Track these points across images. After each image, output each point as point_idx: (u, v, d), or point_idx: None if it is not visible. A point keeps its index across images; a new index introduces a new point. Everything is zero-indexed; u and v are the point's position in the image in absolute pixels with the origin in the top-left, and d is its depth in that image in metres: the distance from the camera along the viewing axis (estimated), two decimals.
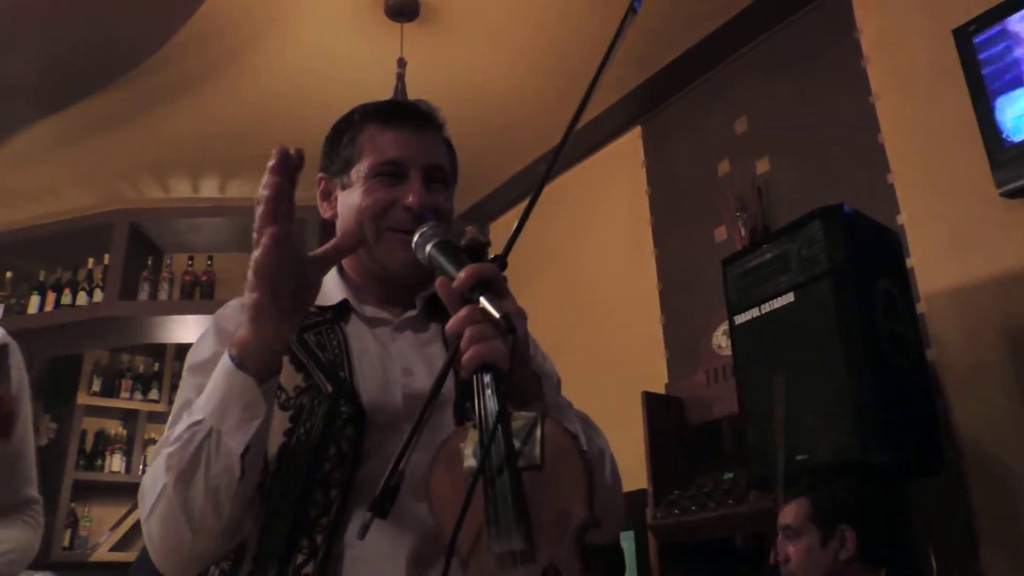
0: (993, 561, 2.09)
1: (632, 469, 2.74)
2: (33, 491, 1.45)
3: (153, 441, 5.47)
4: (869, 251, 2.02)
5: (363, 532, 0.82)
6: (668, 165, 3.42)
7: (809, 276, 1.96)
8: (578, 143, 3.75)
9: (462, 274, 0.87)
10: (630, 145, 3.62)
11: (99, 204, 4.16)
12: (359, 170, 1.08)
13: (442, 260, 0.94)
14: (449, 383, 0.95)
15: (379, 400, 0.99)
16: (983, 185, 2.24)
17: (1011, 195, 2.18)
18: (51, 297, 4.08)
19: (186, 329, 4.23)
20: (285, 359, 0.98)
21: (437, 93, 3.67)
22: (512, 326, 0.82)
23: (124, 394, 5.41)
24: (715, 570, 2.47)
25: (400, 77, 2.94)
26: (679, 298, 3.21)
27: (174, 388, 5.59)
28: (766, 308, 2.06)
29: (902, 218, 2.47)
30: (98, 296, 4.03)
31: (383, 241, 1.06)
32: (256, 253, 0.86)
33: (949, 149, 2.40)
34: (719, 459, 2.61)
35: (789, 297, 2.01)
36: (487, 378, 0.84)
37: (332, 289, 1.09)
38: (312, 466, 0.93)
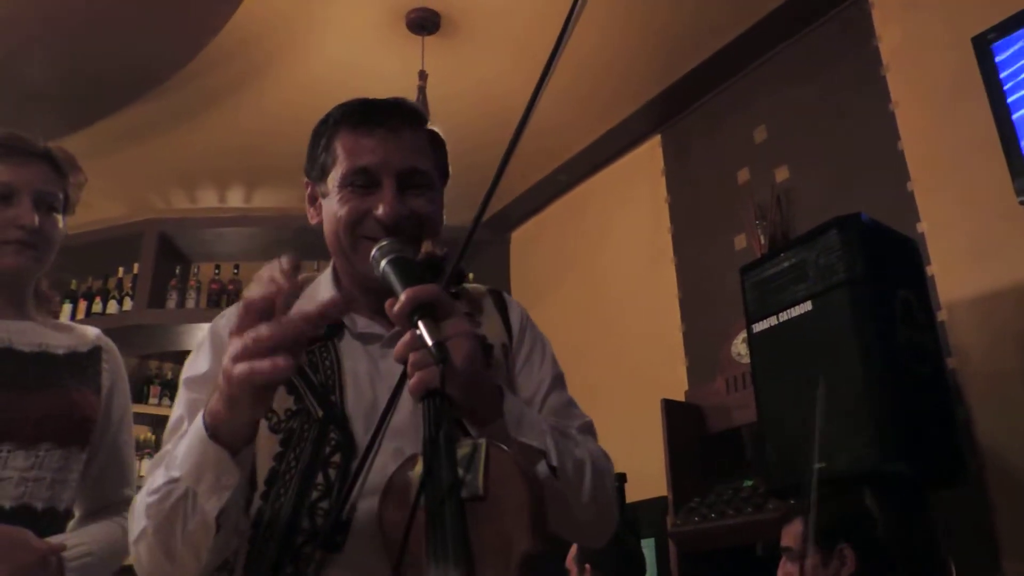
0: (1016, 572, 2.07)
1: (652, 476, 2.76)
2: (130, 491, 1.42)
3: None
4: (887, 260, 2.02)
5: (316, 570, 0.83)
6: (688, 174, 3.44)
7: (827, 285, 1.97)
8: (598, 152, 3.78)
9: (401, 297, 0.84)
10: (650, 154, 3.64)
11: (129, 214, 4.26)
12: (334, 178, 1.04)
13: (392, 279, 0.90)
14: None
15: (367, 426, 0.95)
16: (1003, 193, 2.23)
17: None
18: (82, 305, 4.18)
19: None
20: None
21: (458, 105, 3.75)
22: (443, 356, 0.78)
23: (152, 400, 5.51)
24: None
25: (421, 90, 2.99)
26: (699, 306, 3.21)
27: None
28: (784, 317, 2.06)
29: (922, 226, 2.46)
30: (128, 304, 4.12)
31: (359, 252, 1.01)
32: (238, 370, 0.77)
33: (969, 157, 2.39)
34: (739, 467, 2.61)
35: (807, 306, 2.01)
36: (432, 404, 0.80)
37: (324, 298, 1.02)
38: (300, 494, 0.93)
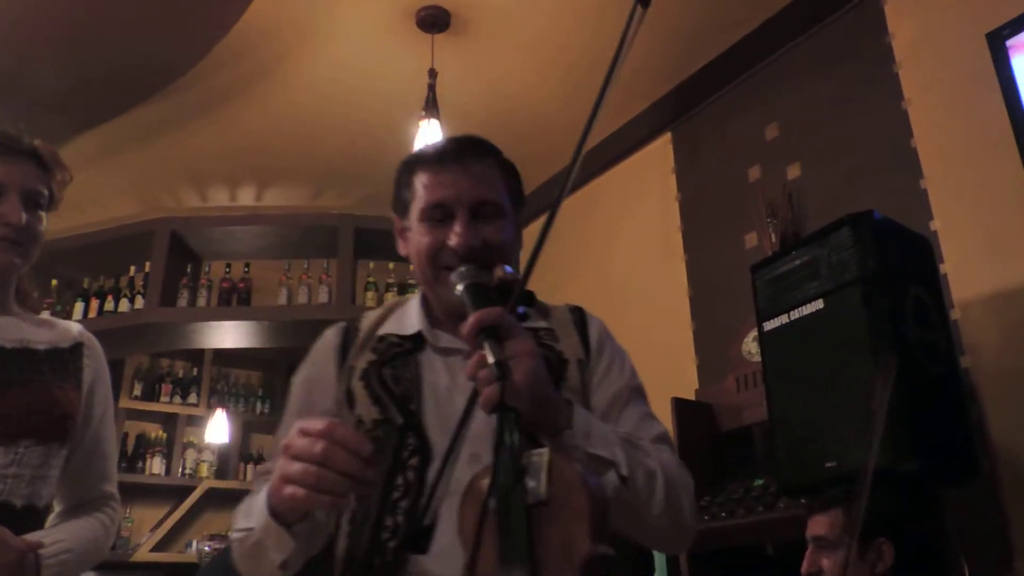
0: None
1: None
2: (109, 487, 1.43)
3: (192, 445, 5.59)
4: (900, 258, 2.00)
5: (401, 563, 0.95)
6: (698, 171, 3.42)
7: (839, 283, 1.96)
8: (608, 149, 3.77)
9: (470, 319, 0.93)
10: (660, 151, 3.62)
11: (140, 213, 4.28)
12: (414, 213, 1.16)
13: (466, 303, 1.00)
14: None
15: (444, 434, 1.03)
16: (1017, 190, 2.21)
17: None
18: (94, 304, 4.20)
19: (224, 334, 4.32)
20: (365, 393, 1.09)
21: (468, 103, 3.75)
22: (503, 373, 0.86)
23: (164, 398, 5.55)
24: None
25: (431, 88, 2.99)
26: (709, 304, 3.20)
27: (212, 392, 5.71)
28: (795, 315, 2.05)
29: (935, 224, 2.44)
30: (139, 303, 4.14)
31: (440, 279, 1.12)
32: (286, 490, 0.87)
33: (983, 154, 2.37)
34: (749, 466, 2.60)
35: (818, 304, 2.00)
36: (502, 417, 0.87)
37: (412, 319, 1.17)
38: (384, 495, 1.03)
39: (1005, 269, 2.26)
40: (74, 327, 1.43)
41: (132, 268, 4.26)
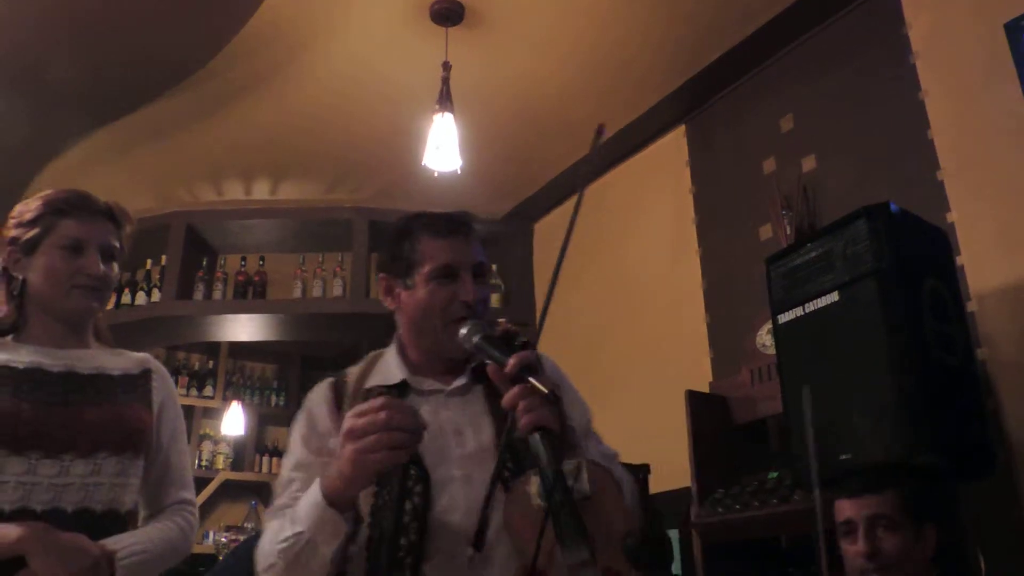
0: None
1: (676, 468, 2.75)
2: (186, 493, 1.59)
3: (208, 437, 5.63)
4: (916, 249, 1.99)
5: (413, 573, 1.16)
6: (713, 164, 3.41)
7: (854, 275, 1.95)
8: (622, 142, 3.76)
9: (512, 360, 1.15)
10: (674, 144, 3.62)
11: (156, 207, 4.31)
12: (422, 273, 1.32)
13: (488, 350, 1.21)
14: (492, 441, 1.26)
15: (439, 462, 1.24)
16: None
17: None
18: (112, 297, 4.24)
19: (239, 327, 4.35)
20: None
21: (482, 95, 3.74)
22: (558, 396, 1.12)
23: (180, 390, 5.59)
24: (760, 570, 2.46)
25: (445, 80, 2.99)
26: (724, 297, 3.20)
27: (228, 385, 5.75)
28: (810, 307, 2.04)
29: (952, 216, 2.43)
30: (156, 296, 4.18)
31: (448, 331, 1.29)
32: (370, 456, 1.06)
33: (1000, 146, 2.35)
34: (764, 458, 2.60)
35: (834, 296, 1.99)
36: (538, 436, 1.09)
37: (394, 369, 1.35)
38: (396, 518, 1.20)
39: (1022, 261, 2.24)
40: (144, 356, 1.62)
41: (148, 261, 4.29)
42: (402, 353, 1.38)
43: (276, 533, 1.17)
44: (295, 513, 1.16)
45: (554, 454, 1.08)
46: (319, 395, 1.36)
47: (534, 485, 1.11)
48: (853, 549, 1.61)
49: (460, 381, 1.33)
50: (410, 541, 1.19)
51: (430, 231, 1.35)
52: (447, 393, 1.33)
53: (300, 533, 1.13)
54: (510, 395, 1.13)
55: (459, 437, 1.28)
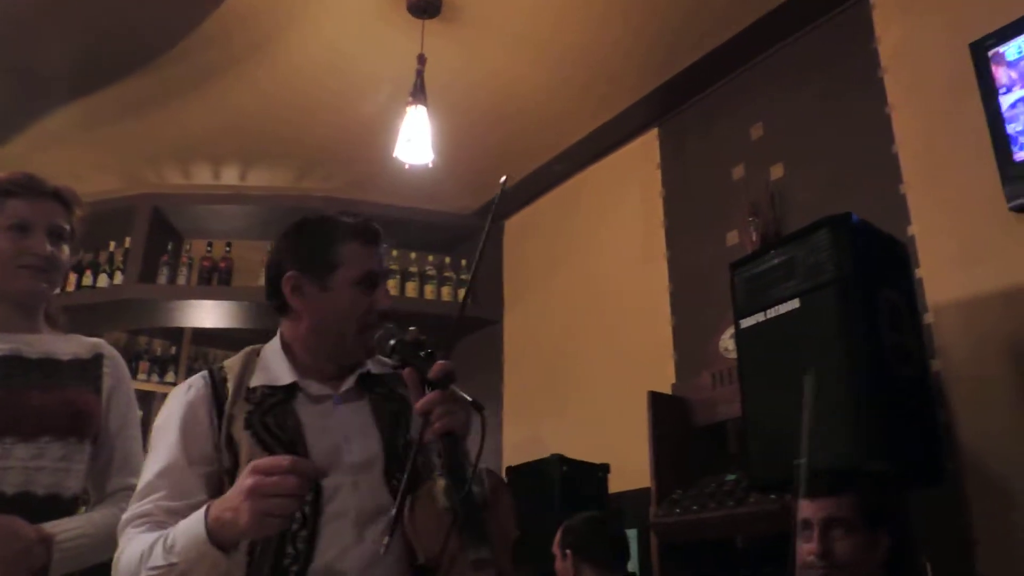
0: (989, 572, 2.11)
1: (636, 468, 2.78)
2: (134, 480, 1.55)
3: None
4: (876, 261, 2.03)
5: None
6: (683, 168, 3.45)
7: (815, 283, 1.98)
8: (594, 143, 3.78)
9: (436, 368, 1.21)
10: (646, 147, 3.64)
11: (122, 188, 4.23)
12: (344, 277, 1.32)
13: (408, 355, 1.26)
14: (378, 448, 1.29)
15: (329, 468, 1.22)
16: (994, 199, 2.25)
17: (1020, 210, 2.20)
18: (73, 278, 4.16)
19: (204, 313, 4.30)
20: (252, 440, 1.24)
21: (456, 90, 3.72)
22: (481, 405, 1.18)
23: (141, 376, 5.49)
24: (715, 570, 2.50)
25: (420, 73, 2.98)
26: (689, 300, 3.23)
27: (190, 371, 5.66)
28: (772, 313, 2.07)
29: (913, 229, 2.48)
30: (119, 278, 4.11)
31: (361, 336, 1.32)
32: (273, 518, 1.05)
33: (962, 162, 2.41)
34: (722, 461, 2.64)
35: (795, 303, 2.03)
36: (448, 441, 1.18)
37: (281, 371, 1.32)
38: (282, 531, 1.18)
39: (979, 276, 2.30)
40: (97, 341, 1.61)
41: (112, 243, 4.22)
42: (287, 353, 1.35)
43: (145, 555, 1.13)
44: (171, 541, 1.11)
45: (460, 459, 1.18)
46: (198, 393, 1.30)
47: (440, 487, 1.19)
48: (807, 548, 1.64)
49: (347, 386, 1.34)
50: (296, 549, 1.19)
51: (358, 237, 1.34)
52: (336, 399, 1.33)
53: (174, 564, 1.10)
54: (427, 400, 1.19)
55: (348, 444, 1.28)
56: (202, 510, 1.11)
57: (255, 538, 1.14)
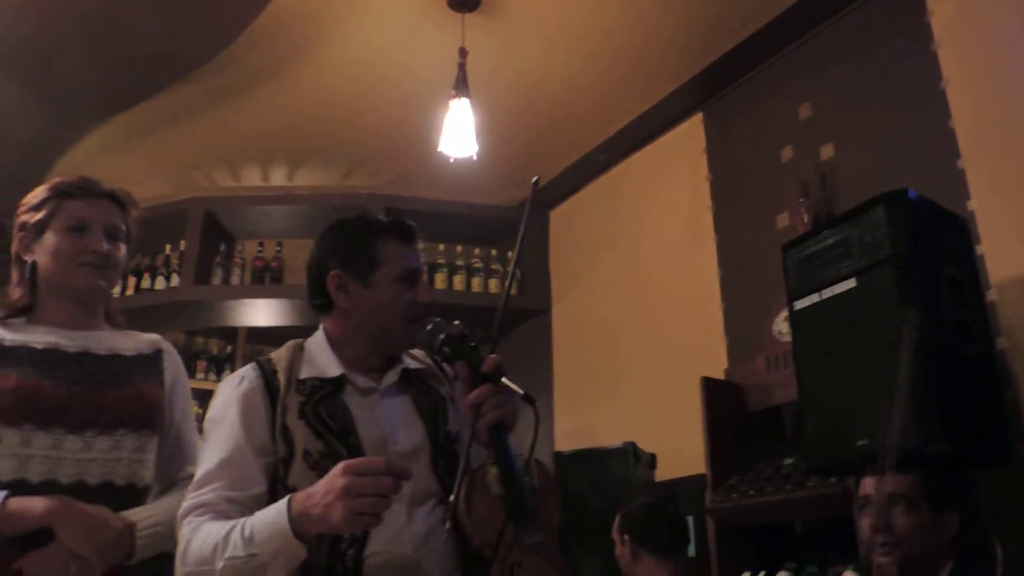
0: None
1: (691, 454, 2.76)
2: (194, 468, 1.62)
3: None
4: (935, 237, 1.98)
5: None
6: (730, 151, 3.40)
7: (871, 262, 1.94)
8: (638, 130, 3.75)
9: (488, 362, 1.27)
10: (691, 132, 3.60)
11: (175, 193, 4.34)
12: (386, 274, 1.38)
13: (459, 349, 1.30)
14: (423, 439, 1.35)
15: (377, 455, 1.27)
16: None
17: None
18: (131, 282, 4.28)
19: (257, 312, 4.38)
20: (307, 428, 1.29)
21: (498, 82, 3.73)
22: (533, 399, 1.21)
23: (199, 375, 5.63)
24: (774, 555, 2.47)
25: (461, 67, 2.99)
26: (739, 285, 3.19)
27: None
28: (827, 294, 2.04)
29: (972, 205, 2.41)
30: (175, 280, 4.21)
31: (408, 329, 1.37)
32: (364, 517, 1.10)
33: (1022, 135, 2.33)
34: (778, 446, 2.60)
35: (851, 283, 1.99)
36: (500, 432, 1.24)
37: (329, 363, 1.38)
38: None
39: None
40: (154, 337, 1.67)
41: (167, 247, 4.32)
42: (333, 345, 1.41)
43: (220, 546, 1.16)
44: (248, 532, 1.15)
45: (509, 449, 1.24)
46: (252, 385, 1.34)
47: (492, 475, 1.24)
48: (867, 523, 1.63)
49: (391, 379, 1.40)
50: (354, 534, 1.23)
51: (397, 236, 1.41)
52: (381, 393, 1.39)
53: (254, 555, 1.13)
54: (479, 392, 1.24)
55: (395, 434, 1.34)
56: (282, 503, 1.15)
57: (342, 533, 1.19)
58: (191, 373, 5.57)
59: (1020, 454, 2.04)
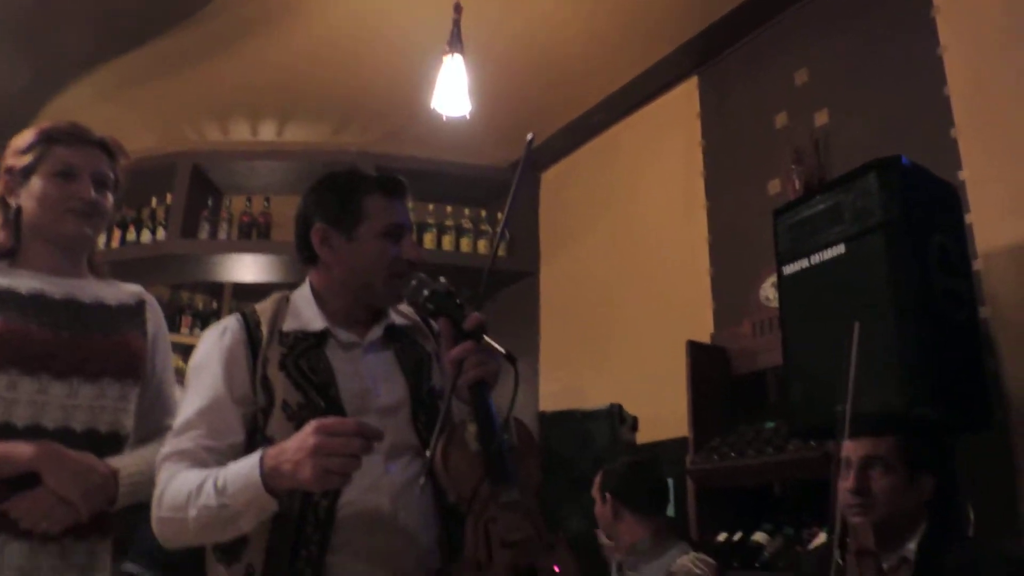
0: None
1: (675, 417, 2.79)
2: (172, 420, 1.62)
3: None
4: (925, 205, 1.99)
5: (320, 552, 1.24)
6: (724, 117, 3.38)
7: (862, 228, 1.94)
8: (633, 92, 3.72)
9: (471, 319, 1.27)
10: (686, 96, 3.57)
11: (162, 145, 4.28)
12: (370, 229, 1.37)
13: (443, 305, 1.30)
14: (404, 394, 1.35)
15: (359, 412, 1.29)
16: None
17: None
18: (116, 234, 4.24)
19: (243, 268, 4.36)
20: (287, 380, 1.30)
21: (493, 39, 3.67)
22: (514, 356, 1.22)
23: (184, 330, 5.61)
24: (752, 517, 2.51)
25: (456, 22, 2.94)
26: (729, 250, 3.20)
27: None
28: (816, 259, 2.05)
29: (964, 174, 2.41)
30: (161, 234, 4.17)
31: (389, 284, 1.37)
32: (334, 476, 1.11)
33: (1016, 106, 2.33)
34: (761, 410, 2.63)
35: (840, 248, 2.00)
36: (480, 388, 1.24)
37: (312, 317, 1.38)
38: None
39: None
40: (136, 287, 1.67)
41: (154, 200, 4.27)
42: (318, 298, 1.41)
43: (193, 493, 1.18)
44: (222, 483, 1.17)
45: (490, 407, 1.24)
46: (235, 335, 1.35)
47: (471, 432, 1.25)
48: (844, 485, 1.65)
49: (375, 335, 1.40)
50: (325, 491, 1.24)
51: (382, 190, 1.39)
52: (364, 347, 1.39)
53: (226, 505, 1.16)
54: (462, 348, 1.25)
55: (376, 388, 1.35)
56: (255, 457, 1.17)
57: (312, 491, 1.19)
58: (176, 328, 5.54)
59: (998, 420, 2.08)
